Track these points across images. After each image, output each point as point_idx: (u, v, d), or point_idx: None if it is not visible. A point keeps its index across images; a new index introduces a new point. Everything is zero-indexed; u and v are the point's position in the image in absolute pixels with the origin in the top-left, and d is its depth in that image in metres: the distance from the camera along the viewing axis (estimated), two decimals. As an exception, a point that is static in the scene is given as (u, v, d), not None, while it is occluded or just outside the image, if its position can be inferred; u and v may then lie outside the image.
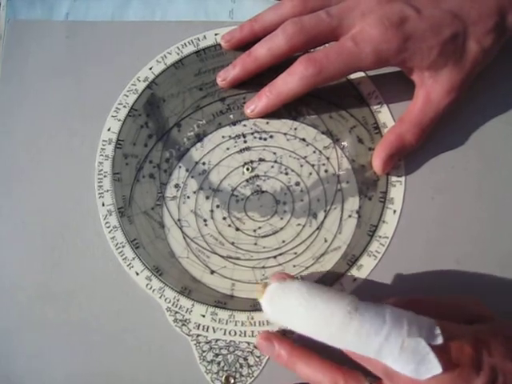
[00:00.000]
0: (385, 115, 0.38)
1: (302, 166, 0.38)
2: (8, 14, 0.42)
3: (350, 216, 0.37)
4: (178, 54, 0.40)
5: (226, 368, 0.36)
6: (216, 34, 0.40)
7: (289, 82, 0.36)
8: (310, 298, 0.30)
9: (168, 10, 0.42)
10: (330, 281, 0.36)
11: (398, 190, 0.37)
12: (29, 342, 0.36)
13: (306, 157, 0.38)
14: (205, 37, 0.40)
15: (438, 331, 0.28)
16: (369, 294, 0.36)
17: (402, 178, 0.37)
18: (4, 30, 0.41)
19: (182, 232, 0.37)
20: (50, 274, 0.37)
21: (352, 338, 0.29)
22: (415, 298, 0.34)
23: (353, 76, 0.39)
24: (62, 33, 0.41)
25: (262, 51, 0.37)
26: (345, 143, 0.38)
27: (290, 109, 0.39)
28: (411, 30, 0.34)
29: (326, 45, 0.36)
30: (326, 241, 0.37)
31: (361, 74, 0.39)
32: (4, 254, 0.37)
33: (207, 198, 0.38)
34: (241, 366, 0.36)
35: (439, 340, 0.28)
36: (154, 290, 0.37)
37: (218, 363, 0.36)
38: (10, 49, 0.41)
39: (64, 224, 0.38)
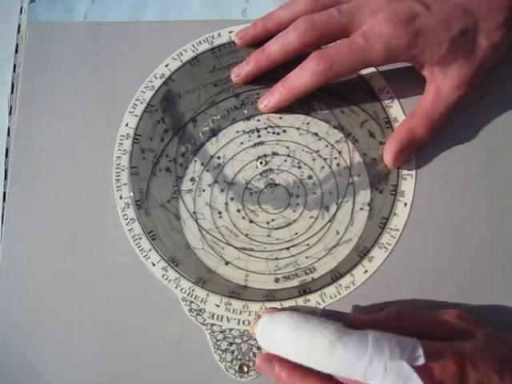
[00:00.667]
0: (396, 110, 0.39)
1: (314, 159, 0.39)
2: (29, 16, 0.43)
3: (361, 208, 0.38)
4: (194, 51, 0.41)
5: (239, 357, 0.36)
6: (230, 32, 0.41)
7: (301, 78, 0.36)
8: (297, 329, 0.32)
9: (183, 11, 0.43)
10: (341, 272, 0.37)
11: (408, 183, 0.38)
12: (49, 330, 0.37)
13: (318, 151, 0.39)
14: (219, 34, 0.41)
15: (420, 352, 0.29)
16: (380, 286, 0.37)
17: (413, 172, 0.38)
18: (26, 32, 0.43)
19: (198, 224, 0.38)
20: (69, 264, 0.38)
21: (337, 365, 0.30)
22: (396, 312, 0.34)
23: (364, 71, 0.39)
24: (81, 33, 0.42)
25: (275, 48, 0.37)
26: (356, 137, 0.39)
27: (302, 104, 0.39)
28: (421, 25, 0.35)
29: (338, 41, 0.37)
30: (337, 233, 0.38)
31: (372, 70, 0.40)
32: (23, 247, 0.38)
33: (222, 190, 0.39)
34: (254, 355, 0.36)
35: (421, 360, 0.29)
36: (170, 281, 0.37)
37: (232, 352, 0.37)
38: (32, 50, 0.42)
39: (82, 217, 0.39)
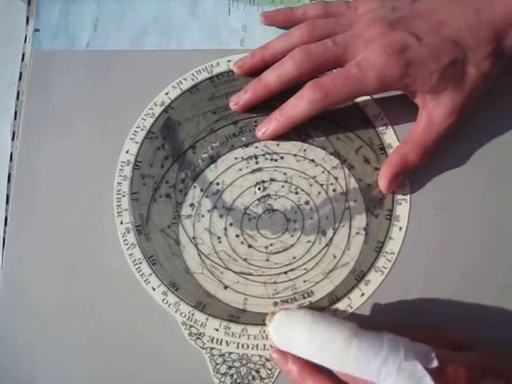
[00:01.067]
0: (390, 136, 0.40)
1: (311, 185, 0.39)
2: (34, 45, 0.44)
3: (357, 233, 0.38)
4: (193, 79, 0.42)
5: (238, 380, 0.37)
6: (229, 61, 0.42)
7: (298, 106, 0.37)
8: (313, 324, 0.32)
9: (183, 40, 0.44)
10: (338, 295, 0.37)
11: (403, 207, 0.38)
12: (52, 354, 0.37)
13: (315, 177, 0.39)
14: (218, 63, 0.42)
15: (433, 355, 0.30)
16: (376, 309, 0.38)
17: (407, 197, 0.39)
18: (30, 60, 0.44)
19: (197, 249, 0.39)
20: (70, 289, 0.38)
21: (351, 362, 0.30)
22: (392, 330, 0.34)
23: (359, 99, 0.40)
24: (83, 61, 0.43)
25: (272, 77, 0.38)
26: (352, 164, 0.40)
27: (299, 131, 0.40)
28: (412, 56, 0.36)
29: (333, 70, 0.38)
30: (334, 257, 0.38)
31: (366, 98, 0.41)
32: (27, 271, 0.39)
33: (221, 216, 0.39)
34: (253, 379, 0.37)
35: (435, 363, 0.30)
36: (169, 305, 0.38)
37: (231, 375, 0.37)
38: (35, 77, 0.43)
39: (84, 242, 0.39)
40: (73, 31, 0.45)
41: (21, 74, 0.44)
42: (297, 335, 0.32)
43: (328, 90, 0.36)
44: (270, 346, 0.37)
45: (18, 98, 0.43)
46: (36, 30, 0.45)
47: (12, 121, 0.43)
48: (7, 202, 0.41)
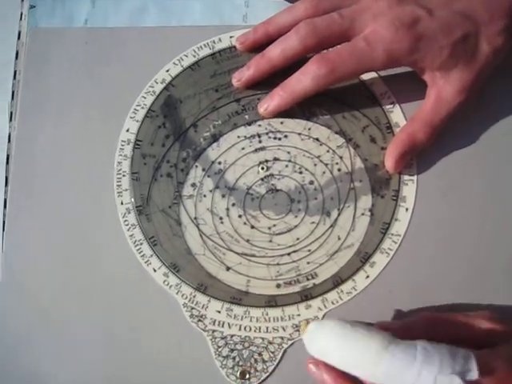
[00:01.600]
0: (397, 115, 0.39)
1: (315, 165, 0.38)
2: (30, 22, 0.43)
3: (362, 214, 0.37)
4: (195, 56, 0.40)
5: (241, 363, 0.36)
6: (231, 37, 0.41)
7: (302, 81, 0.36)
8: (345, 335, 0.30)
9: (183, 16, 0.42)
10: (343, 277, 0.36)
11: (410, 188, 0.37)
12: (52, 342, 0.37)
13: (319, 156, 0.38)
14: (220, 39, 0.41)
15: (472, 365, 0.27)
16: (381, 291, 0.36)
17: (414, 177, 0.38)
18: (26, 38, 0.42)
19: (199, 230, 0.38)
20: (69, 271, 0.37)
21: (384, 375, 0.29)
22: (428, 316, 0.33)
23: (365, 76, 0.39)
24: (82, 39, 0.42)
25: (276, 52, 0.37)
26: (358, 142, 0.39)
27: (303, 109, 0.39)
28: (422, 30, 0.34)
29: (338, 46, 0.36)
30: (339, 238, 0.37)
31: (373, 75, 0.39)
32: (28, 255, 0.38)
33: (223, 196, 0.38)
34: (255, 361, 0.36)
35: (474, 375, 0.27)
36: (171, 287, 0.37)
37: (233, 358, 0.36)
38: (32, 56, 0.42)
39: (83, 223, 0.38)
40: (70, 8, 0.43)
41: (17, 52, 0.42)
42: (329, 347, 0.31)
43: (334, 65, 0.35)
44: (273, 329, 0.36)
45: (14, 77, 0.42)
46: (32, 7, 0.43)
47: (9, 101, 0.41)
48: (6, 184, 0.40)
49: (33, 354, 0.37)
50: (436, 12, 0.35)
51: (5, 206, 0.39)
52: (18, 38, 0.43)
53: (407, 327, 0.33)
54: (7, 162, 0.40)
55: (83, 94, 0.41)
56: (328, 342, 0.31)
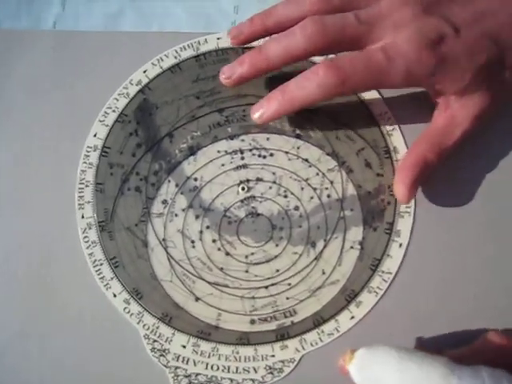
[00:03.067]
0: (397, 138, 0.34)
1: (302, 188, 0.34)
2: None
3: (351, 247, 0.33)
4: (176, 57, 0.36)
5: None
6: (218, 39, 0.36)
7: (305, 88, 0.31)
8: (402, 360, 0.27)
9: (165, 22, 0.37)
10: (325, 317, 0.32)
11: (406, 221, 0.33)
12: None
13: (307, 179, 0.34)
14: (206, 40, 0.36)
15: None
16: (366, 334, 0.32)
17: (411, 209, 0.33)
18: None
19: (167, 253, 0.33)
20: (20, 291, 0.33)
21: None
22: (502, 338, 0.30)
23: (364, 94, 0.35)
24: (49, 43, 0.37)
25: (276, 49, 0.31)
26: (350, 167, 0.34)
27: (293, 125, 0.34)
28: (446, 50, 0.30)
29: (349, 53, 0.31)
30: (323, 273, 0.32)
31: (373, 92, 0.35)
32: None
33: (197, 217, 0.33)
34: (221, 406, 0.32)
35: None
36: (132, 315, 0.32)
37: None
38: None
39: (41, 235, 0.33)
40: (37, 9, 0.38)
41: None
42: (385, 375, 0.27)
43: (345, 76, 0.30)
44: (243, 369, 0.32)
45: None
46: None
47: None
48: None
49: None
50: (463, 31, 0.30)
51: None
52: None
53: (475, 351, 0.30)
54: None
55: (48, 101, 0.36)
56: (383, 369, 0.27)
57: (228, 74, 0.33)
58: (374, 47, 0.30)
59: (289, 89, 0.31)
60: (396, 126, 0.34)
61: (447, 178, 0.34)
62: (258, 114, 0.32)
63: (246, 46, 0.35)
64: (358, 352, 0.28)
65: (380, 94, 0.35)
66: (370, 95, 0.35)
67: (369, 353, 0.28)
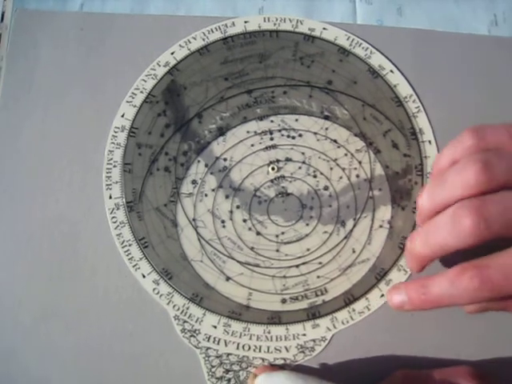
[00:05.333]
0: (422, 120, 0.33)
1: (331, 168, 0.33)
2: (15, 3, 0.36)
3: (380, 226, 0.32)
4: (204, 39, 0.34)
5: None
6: (246, 22, 0.35)
7: (452, 295, 0.26)
8: None
9: (193, 6, 0.36)
10: (355, 295, 0.31)
11: (433, 201, 0.33)
12: (35, 358, 0.30)
13: (336, 159, 0.33)
14: (233, 23, 0.35)
15: None
16: (395, 312, 0.32)
17: (438, 189, 0.33)
18: (11, 21, 0.35)
19: (197, 233, 0.32)
20: (48, 273, 0.31)
21: None
22: (404, 373, 0.29)
23: (390, 77, 0.34)
24: (76, 24, 0.35)
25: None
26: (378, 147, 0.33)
27: (322, 107, 0.33)
28: None
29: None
30: (354, 251, 0.32)
31: (399, 76, 0.34)
32: (8, 261, 0.31)
33: (227, 197, 0.32)
34: (253, 385, 0.31)
35: None
36: (161, 296, 0.31)
37: (229, 380, 0.30)
38: (18, 41, 0.35)
39: (68, 216, 0.32)
40: None
41: (0, 35, 0.36)
42: None
43: (500, 290, 0.25)
44: (275, 349, 0.31)
45: None
46: None
47: None
48: None
49: (12, 375, 0.30)
50: None
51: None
52: (1, 20, 0.36)
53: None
54: None
55: (75, 80, 0.34)
56: None
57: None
58: None
59: (433, 291, 0.27)
60: (421, 108, 0.34)
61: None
62: (397, 300, 0.28)
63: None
64: (258, 378, 0.28)
65: (405, 77, 0.34)
66: (396, 79, 0.34)
67: (267, 379, 0.28)
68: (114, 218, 0.32)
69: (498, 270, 0.24)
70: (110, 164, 0.32)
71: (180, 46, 0.34)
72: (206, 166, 0.33)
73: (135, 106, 0.33)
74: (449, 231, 0.25)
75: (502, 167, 0.25)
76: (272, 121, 0.33)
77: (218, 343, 0.30)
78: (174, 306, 0.31)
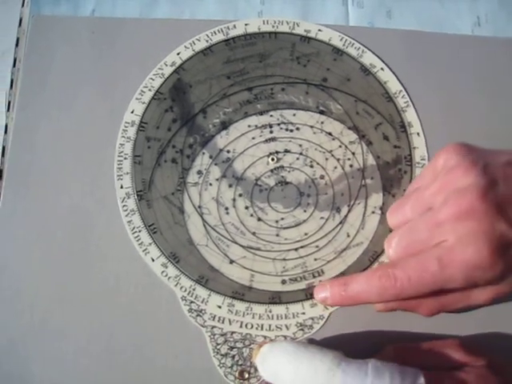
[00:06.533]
0: (411, 114, 0.35)
1: (327, 159, 0.34)
2: (32, 10, 0.38)
3: (373, 212, 0.34)
4: (207, 41, 0.36)
5: (240, 362, 0.31)
6: (246, 24, 0.37)
7: (366, 291, 0.29)
8: (297, 355, 0.28)
9: (197, 10, 0.38)
10: None
11: (421, 188, 0.35)
12: (40, 334, 0.32)
13: (331, 151, 0.35)
14: (234, 26, 0.37)
15: (421, 380, 0.27)
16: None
17: (426, 178, 0.35)
18: (28, 26, 0.37)
19: (203, 219, 0.33)
20: (64, 260, 0.33)
21: None
22: (397, 347, 0.30)
23: (380, 74, 0.36)
24: (88, 28, 0.37)
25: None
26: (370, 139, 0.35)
27: (317, 103, 0.35)
28: None
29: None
30: (348, 236, 0.33)
31: (389, 73, 0.36)
32: (20, 254, 0.33)
33: (230, 186, 0.34)
34: (256, 361, 0.32)
35: None
36: (169, 278, 0.32)
37: (233, 357, 0.31)
38: (34, 44, 0.37)
39: (81, 206, 0.33)
40: None
41: (17, 40, 0.37)
42: (282, 368, 0.28)
43: (402, 288, 0.28)
44: (276, 327, 0.32)
45: (14, 65, 0.37)
46: None
47: (7, 90, 0.36)
48: (1, 178, 0.34)
49: (25, 361, 0.31)
50: None
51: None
52: (19, 25, 0.38)
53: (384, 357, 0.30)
54: (2, 155, 0.35)
55: (88, 80, 0.36)
56: (281, 362, 0.28)
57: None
58: (430, 253, 0.28)
59: (351, 287, 0.30)
60: (410, 103, 0.36)
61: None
62: (320, 297, 0.31)
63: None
64: (262, 348, 0.30)
65: (395, 74, 0.36)
66: (386, 76, 0.36)
67: (270, 349, 0.30)
68: (124, 206, 0.33)
69: (404, 271, 0.28)
70: (121, 156, 0.34)
71: (185, 47, 0.36)
72: (211, 157, 0.34)
73: (144, 103, 0.35)
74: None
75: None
76: (271, 115, 0.35)
77: (223, 322, 0.32)
78: (181, 288, 0.32)
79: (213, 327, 0.32)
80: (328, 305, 0.32)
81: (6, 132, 0.36)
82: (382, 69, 0.36)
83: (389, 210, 0.32)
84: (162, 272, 0.32)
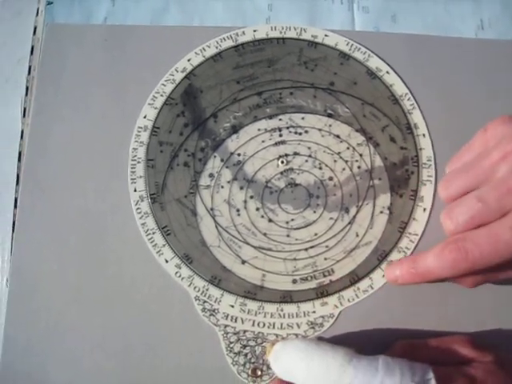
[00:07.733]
0: (417, 116, 0.35)
1: (335, 161, 0.35)
2: (46, 18, 0.38)
3: (381, 212, 0.34)
4: (217, 47, 0.37)
5: (253, 360, 0.31)
6: (254, 31, 0.37)
7: (437, 267, 0.29)
8: (309, 353, 0.28)
9: (206, 17, 0.39)
10: (360, 275, 0.33)
11: (428, 188, 0.34)
12: (57, 335, 0.32)
13: (339, 153, 0.35)
14: (243, 32, 0.37)
15: (430, 375, 0.27)
16: (398, 291, 0.33)
17: (433, 178, 0.34)
18: (42, 34, 0.38)
19: (215, 221, 0.34)
20: (79, 261, 0.33)
21: None
22: (405, 343, 0.31)
23: (386, 78, 0.36)
24: (101, 36, 0.38)
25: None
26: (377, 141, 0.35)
27: (325, 106, 0.36)
28: None
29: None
30: (357, 235, 0.34)
31: (395, 76, 0.37)
32: (36, 256, 0.33)
33: (241, 188, 0.34)
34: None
35: (432, 383, 0.27)
36: (183, 279, 0.33)
37: (245, 355, 0.32)
38: (48, 51, 0.37)
39: (95, 210, 0.34)
40: (89, 5, 0.39)
41: (32, 48, 0.38)
42: (294, 365, 0.29)
43: (474, 260, 0.27)
44: (287, 325, 0.32)
45: (29, 73, 0.37)
46: (49, 3, 0.39)
47: (23, 97, 0.37)
48: (17, 183, 0.35)
49: (42, 358, 0.32)
50: None
51: (15, 206, 0.34)
52: (34, 33, 0.38)
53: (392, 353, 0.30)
54: (19, 160, 0.35)
55: (101, 90, 0.36)
56: (293, 359, 0.29)
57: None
58: (502, 223, 0.27)
59: (422, 264, 0.30)
60: (415, 105, 0.36)
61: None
62: (391, 276, 0.32)
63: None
64: (275, 346, 0.30)
65: (400, 77, 0.36)
66: (392, 79, 0.36)
67: (282, 347, 0.30)
68: (138, 209, 0.34)
69: (474, 243, 0.27)
70: (135, 160, 0.35)
71: (195, 53, 0.36)
72: (222, 160, 0.35)
73: (156, 108, 0.35)
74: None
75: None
76: (280, 119, 0.35)
77: (236, 321, 0.32)
78: (194, 288, 0.33)
79: (226, 326, 0.32)
80: (399, 284, 0.31)
81: (22, 137, 0.36)
82: (387, 72, 0.36)
83: (440, 183, 0.31)
84: (176, 273, 0.33)
